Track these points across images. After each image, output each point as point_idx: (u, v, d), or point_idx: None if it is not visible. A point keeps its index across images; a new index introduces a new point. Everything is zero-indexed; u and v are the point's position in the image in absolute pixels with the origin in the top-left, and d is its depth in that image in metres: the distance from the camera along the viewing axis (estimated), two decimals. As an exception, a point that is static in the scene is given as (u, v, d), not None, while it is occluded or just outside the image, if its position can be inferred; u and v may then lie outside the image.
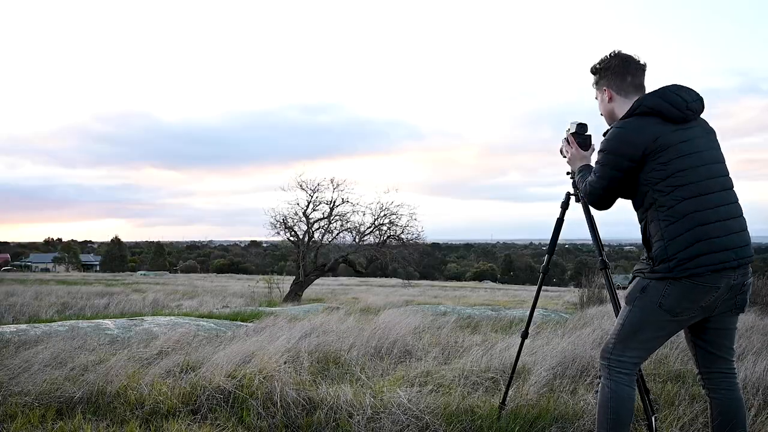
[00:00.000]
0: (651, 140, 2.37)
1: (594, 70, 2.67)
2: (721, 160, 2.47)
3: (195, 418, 3.19)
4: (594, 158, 2.68)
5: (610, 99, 2.61)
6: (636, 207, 2.53)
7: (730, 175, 2.48)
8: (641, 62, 2.60)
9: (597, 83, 2.67)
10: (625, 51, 2.62)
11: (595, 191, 2.56)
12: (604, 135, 2.56)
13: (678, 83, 2.48)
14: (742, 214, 2.45)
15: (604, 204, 2.60)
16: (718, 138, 2.53)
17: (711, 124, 2.55)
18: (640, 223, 2.51)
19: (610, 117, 2.64)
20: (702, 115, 2.51)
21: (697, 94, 2.49)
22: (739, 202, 2.47)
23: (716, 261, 2.30)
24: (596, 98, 2.71)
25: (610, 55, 2.62)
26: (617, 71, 2.58)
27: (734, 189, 2.47)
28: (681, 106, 2.40)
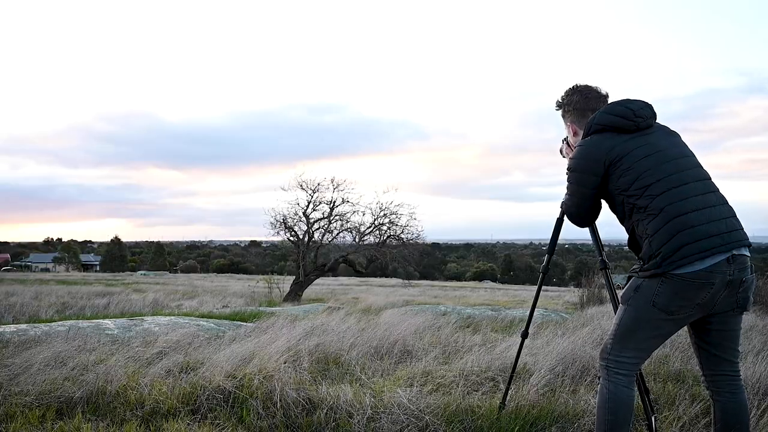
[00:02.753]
0: (607, 152, 2.47)
1: (558, 106, 2.81)
2: (688, 154, 2.50)
3: (195, 418, 3.19)
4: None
5: (575, 133, 2.76)
6: (621, 220, 2.56)
7: (703, 167, 2.50)
8: (602, 93, 2.71)
9: (563, 117, 2.81)
10: (585, 84, 2.74)
11: (569, 210, 2.71)
12: None
13: (627, 97, 2.58)
14: (725, 202, 2.44)
15: (583, 221, 2.72)
16: (684, 139, 2.59)
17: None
18: (628, 232, 2.55)
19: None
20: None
21: (644, 102, 2.57)
22: (720, 191, 2.47)
23: (702, 249, 2.27)
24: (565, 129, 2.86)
25: (571, 89, 2.74)
26: (578, 107, 2.72)
27: (711, 179, 2.47)
28: (629, 116, 2.50)
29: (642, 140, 2.48)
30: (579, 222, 2.74)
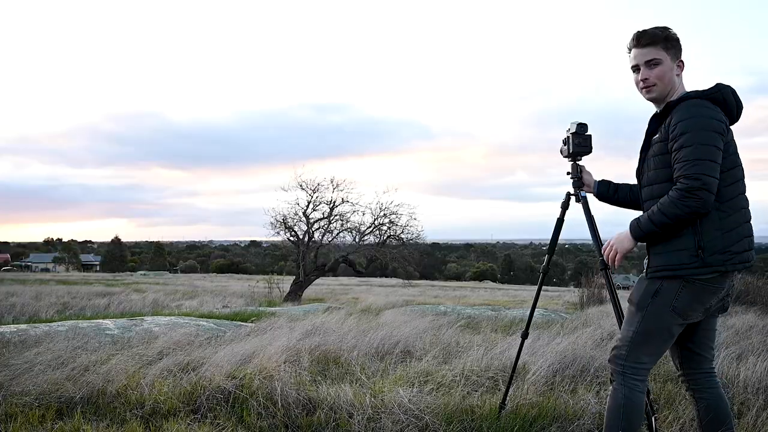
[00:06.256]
0: (727, 126, 2.37)
1: (672, 37, 2.46)
2: None
3: (195, 418, 3.19)
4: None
5: (679, 74, 2.50)
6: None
7: None
8: None
9: (673, 49, 2.47)
10: None
11: (705, 181, 2.22)
12: (660, 114, 2.45)
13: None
14: None
15: (713, 192, 2.25)
16: None
17: None
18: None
19: (665, 86, 2.47)
20: None
21: None
22: None
23: (748, 259, 2.38)
24: (656, 63, 2.45)
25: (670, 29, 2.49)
26: (681, 50, 2.50)
27: None
28: (740, 110, 2.45)
29: (731, 134, 2.42)
30: (710, 197, 2.24)
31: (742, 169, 2.43)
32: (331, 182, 19.83)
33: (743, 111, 2.46)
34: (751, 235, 2.41)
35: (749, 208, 2.44)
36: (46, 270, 70.81)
